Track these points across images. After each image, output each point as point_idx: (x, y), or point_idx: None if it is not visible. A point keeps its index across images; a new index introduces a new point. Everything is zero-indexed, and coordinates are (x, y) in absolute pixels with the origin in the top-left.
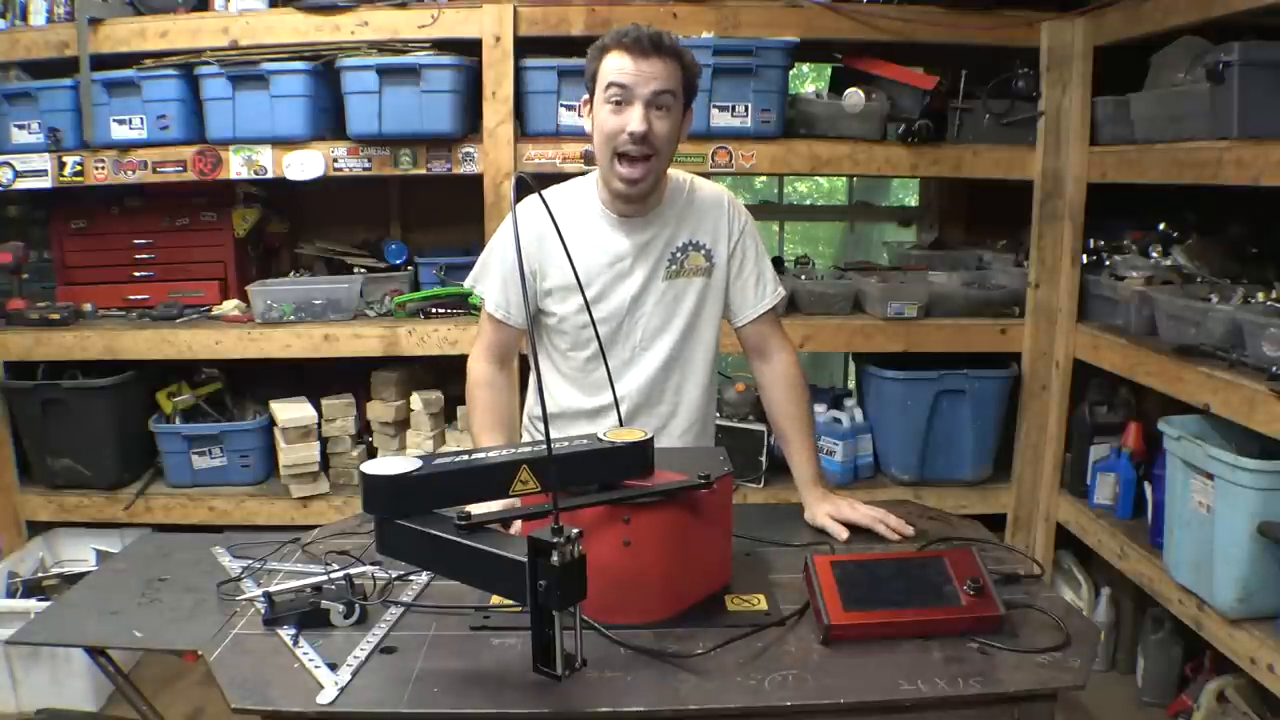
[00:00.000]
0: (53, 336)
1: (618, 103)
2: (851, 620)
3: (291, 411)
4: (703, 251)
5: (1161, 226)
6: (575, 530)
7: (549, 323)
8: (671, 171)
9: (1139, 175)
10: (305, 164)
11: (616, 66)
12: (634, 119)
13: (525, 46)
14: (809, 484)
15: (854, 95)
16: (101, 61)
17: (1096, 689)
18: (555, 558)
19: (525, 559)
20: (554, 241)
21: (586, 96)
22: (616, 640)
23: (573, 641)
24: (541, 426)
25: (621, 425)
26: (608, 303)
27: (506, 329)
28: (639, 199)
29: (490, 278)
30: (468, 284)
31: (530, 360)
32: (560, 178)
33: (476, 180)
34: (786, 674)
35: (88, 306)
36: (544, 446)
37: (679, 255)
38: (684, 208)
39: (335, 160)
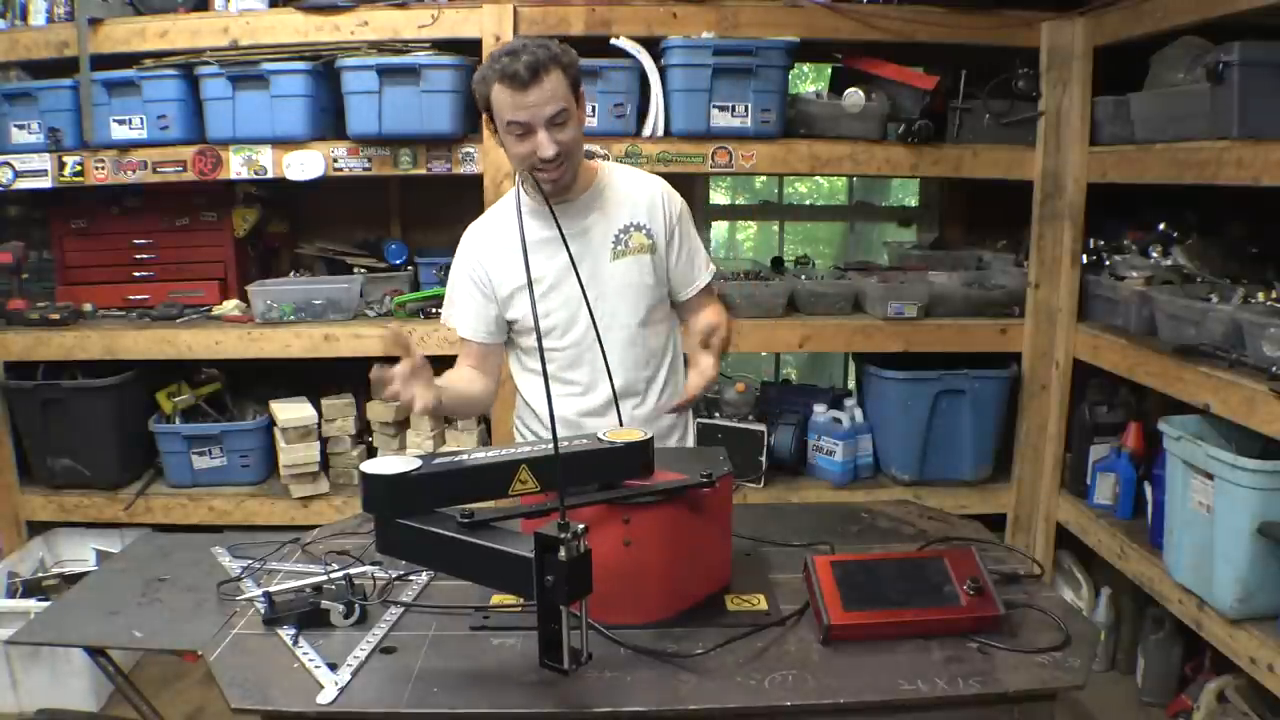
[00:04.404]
0: (53, 336)
1: (520, 135)
2: (851, 620)
3: (291, 411)
4: (644, 231)
5: (1161, 226)
6: (581, 525)
7: (515, 328)
8: (592, 163)
9: (1139, 175)
10: (305, 164)
11: (507, 103)
12: (541, 145)
13: None
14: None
15: (854, 95)
16: (101, 61)
17: (1096, 689)
18: (562, 553)
19: (531, 555)
20: (496, 253)
21: (488, 117)
22: (616, 640)
23: (578, 636)
24: (532, 428)
25: (621, 420)
26: (560, 292)
27: (471, 345)
28: (566, 190)
29: (454, 306)
30: (443, 323)
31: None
32: None
33: (476, 180)
34: (786, 674)
35: (88, 306)
36: (544, 446)
37: (622, 236)
38: (617, 193)
39: (335, 160)
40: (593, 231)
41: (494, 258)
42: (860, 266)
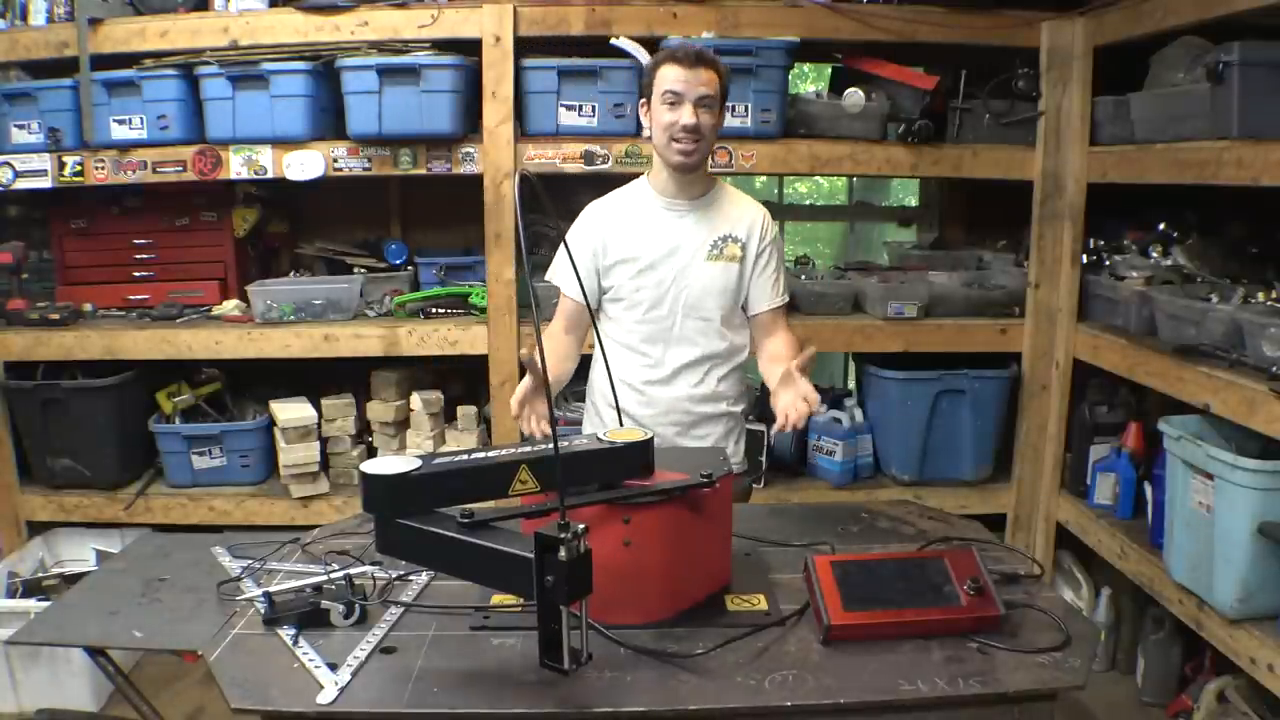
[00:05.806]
0: (53, 336)
1: (672, 104)
2: (851, 620)
3: (291, 411)
4: (739, 244)
5: (1161, 226)
6: (581, 525)
7: (609, 293)
8: (721, 181)
9: (1139, 175)
10: (305, 164)
11: (671, 76)
12: (685, 114)
13: (525, 46)
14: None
15: (854, 95)
16: (101, 61)
17: (1096, 689)
18: (563, 553)
19: (531, 555)
20: (616, 227)
21: (644, 100)
22: (617, 640)
23: (578, 636)
24: (606, 407)
25: (620, 418)
26: (656, 272)
27: (569, 304)
28: (691, 170)
29: (564, 269)
30: (548, 278)
31: (596, 342)
32: (560, 178)
33: (476, 180)
34: (786, 674)
35: (88, 306)
36: (544, 446)
37: (720, 243)
38: (726, 207)
39: (335, 160)
40: (697, 230)
41: (614, 229)
42: (860, 266)
